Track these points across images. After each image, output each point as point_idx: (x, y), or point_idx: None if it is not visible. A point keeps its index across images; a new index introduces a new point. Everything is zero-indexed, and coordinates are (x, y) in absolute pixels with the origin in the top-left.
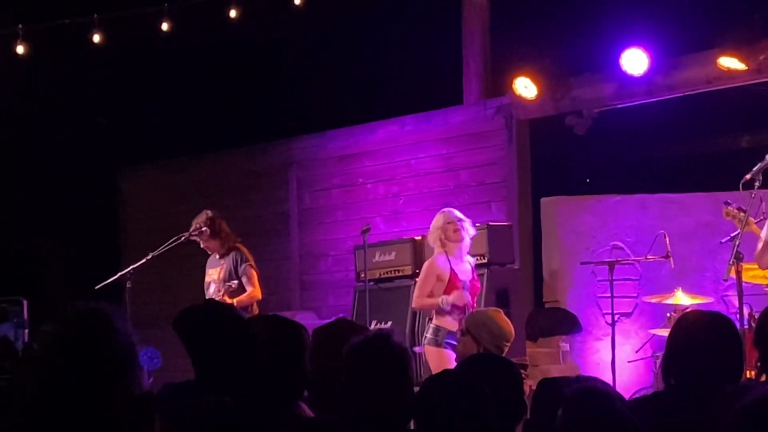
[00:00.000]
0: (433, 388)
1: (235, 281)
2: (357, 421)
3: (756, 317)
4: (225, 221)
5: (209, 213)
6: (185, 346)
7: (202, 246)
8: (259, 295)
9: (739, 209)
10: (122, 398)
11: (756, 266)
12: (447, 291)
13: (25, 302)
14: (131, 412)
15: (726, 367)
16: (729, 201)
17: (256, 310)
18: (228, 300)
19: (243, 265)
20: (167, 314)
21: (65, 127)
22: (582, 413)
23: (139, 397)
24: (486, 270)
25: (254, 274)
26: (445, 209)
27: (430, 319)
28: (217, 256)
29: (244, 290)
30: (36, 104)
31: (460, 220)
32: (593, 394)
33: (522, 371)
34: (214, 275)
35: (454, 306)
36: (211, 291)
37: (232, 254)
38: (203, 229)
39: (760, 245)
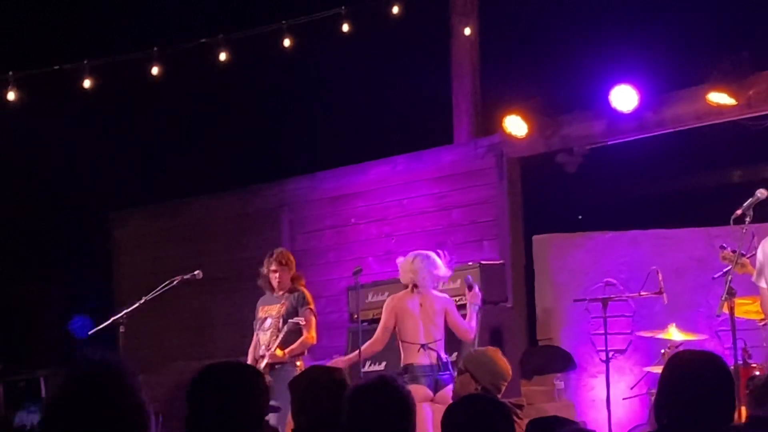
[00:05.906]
0: None
1: (301, 318)
2: None
3: (749, 353)
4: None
5: (283, 249)
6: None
7: (276, 280)
8: (313, 340)
9: (734, 252)
10: None
11: (749, 301)
12: None
13: (41, 379)
14: None
15: (718, 406)
16: (725, 245)
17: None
18: (277, 346)
19: (304, 307)
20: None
21: (57, 173)
22: None
23: None
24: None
25: (313, 319)
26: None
27: None
28: (275, 295)
29: (301, 333)
30: (27, 151)
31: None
32: None
33: (518, 411)
34: (272, 311)
35: None
36: (267, 324)
37: (295, 294)
38: (284, 261)
39: (762, 296)
